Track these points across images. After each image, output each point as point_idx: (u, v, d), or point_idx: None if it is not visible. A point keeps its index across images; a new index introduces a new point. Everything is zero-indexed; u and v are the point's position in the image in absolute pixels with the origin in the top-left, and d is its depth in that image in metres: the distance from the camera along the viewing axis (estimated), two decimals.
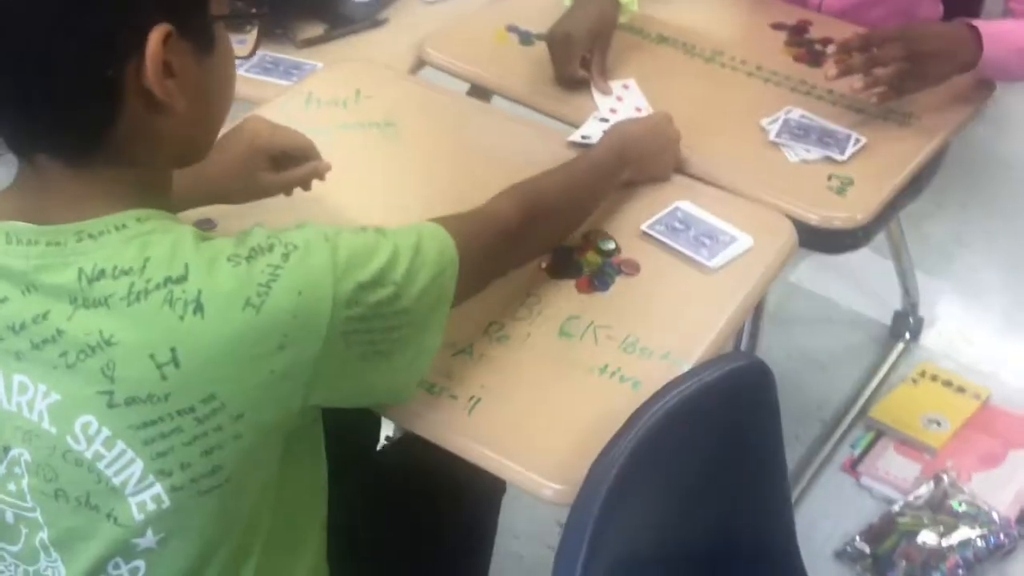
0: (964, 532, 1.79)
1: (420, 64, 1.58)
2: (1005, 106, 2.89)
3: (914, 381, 2.11)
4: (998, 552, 1.77)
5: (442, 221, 0.97)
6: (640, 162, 1.30)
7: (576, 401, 1.07)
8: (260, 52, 1.56)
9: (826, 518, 1.88)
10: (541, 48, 1.55)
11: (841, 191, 1.33)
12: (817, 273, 2.36)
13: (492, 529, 1.35)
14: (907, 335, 2.21)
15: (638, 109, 1.47)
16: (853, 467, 1.96)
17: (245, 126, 1.18)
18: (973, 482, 1.89)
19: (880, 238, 2.07)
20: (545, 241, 1.16)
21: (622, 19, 1.54)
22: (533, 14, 1.61)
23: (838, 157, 1.37)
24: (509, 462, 1.02)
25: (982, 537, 1.77)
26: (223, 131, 1.03)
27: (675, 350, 1.11)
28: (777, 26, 1.66)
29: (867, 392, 2.10)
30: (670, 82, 1.52)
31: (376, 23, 1.67)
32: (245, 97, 1.49)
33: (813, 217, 1.30)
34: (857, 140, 1.40)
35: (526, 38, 1.61)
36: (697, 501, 1.07)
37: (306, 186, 1.22)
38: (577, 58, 1.47)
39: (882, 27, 1.46)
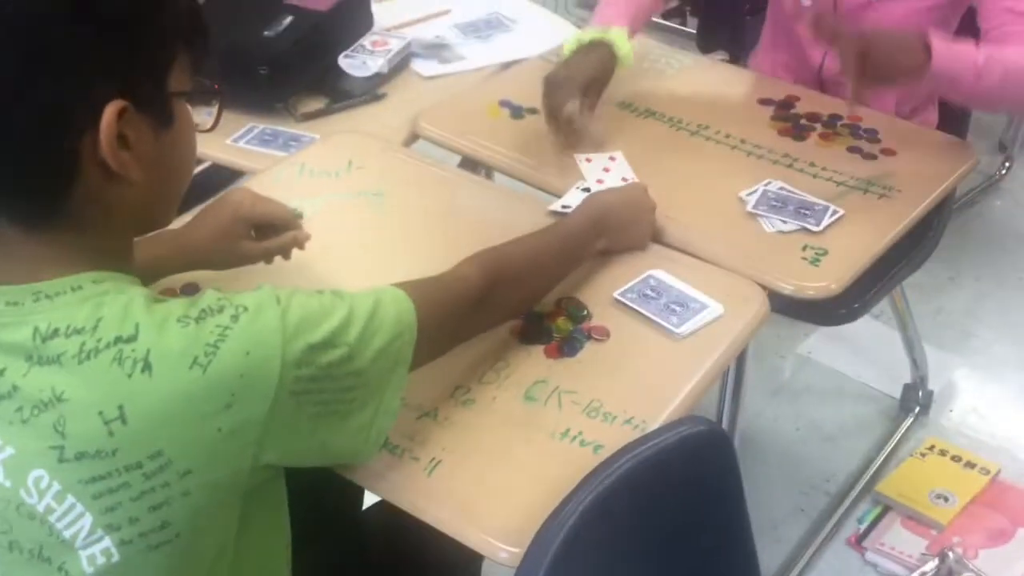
0: None
1: (414, 137, 1.63)
2: (1021, 180, 2.88)
3: (922, 455, 2.08)
4: None
5: (404, 285, 1.00)
6: (617, 232, 1.33)
7: (536, 465, 1.08)
8: (261, 125, 1.64)
9: None
10: (531, 122, 1.60)
11: (815, 261, 1.34)
12: (828, 345, 2.36)
13: None
14: (916, 408, 2.19)
15: (624, 179, 1.50)
16: (859, 542, 1.93)
17: (229, 197, 1.23)
18: (980, 559, 1.85)
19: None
20: (510, 307, 1.19)
21: (620, 70, 1.59)
22: (525, 89, 1.66)
23: (814, 228, 1.39)
24: (465, 524, 1.03)
25: None
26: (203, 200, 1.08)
27: (638, 415, 1.13)
28: (764, 101, 1.70)
29: (874, 466, 2.08)
30: (655, 155, 1.56)
31: (376, 97, 1.73)
32: (243, 168, 1.55)
33: (787, 287, 1.32)
34: (835, 212, 1.42)
35: (517, 112, 1.66)
36: (655, 566, 1.07)
37: (286, 255, 1.26)
38: (570, 97, 1.50)
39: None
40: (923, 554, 1.87)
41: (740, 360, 1.45)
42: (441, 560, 1.25)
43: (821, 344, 2.36)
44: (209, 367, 0.81)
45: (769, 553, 1.90)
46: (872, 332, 2.32)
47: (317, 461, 0.96)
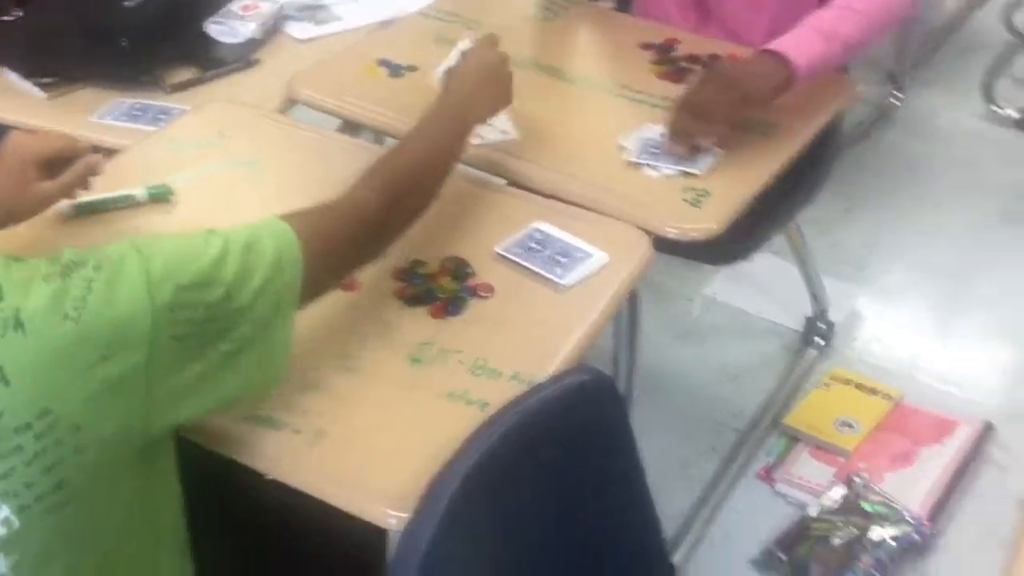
0: (877, 532, 1.80)
1: (291, 102, 1.59)
2: (913, 109, 2.94)
3: (826, 386, 2.12)
4: (912, 550, 1.77)
5: (291, 217, 1.00)
6: (485, 99, 1.34)
7: (424, 427, 1.07)
8: (128, 100, 1.58)
9: (743, 527, 1.88)
10: (411, 80, 1.56)
11: (696, 203, 1.34)
12: (732, 285, 2.38)
13: (379, 566, 1.34)
14: (819, 340, 2.23)
15: (504, 132, 1.48)
16: (768, 474, 1.97)
17: (6, 144, 1.22)
18: (886, 482, 1.90)
19: None
20: (414, 216, 1.18)
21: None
22: (404, 48, 1.63)
23: (695, 171, 1.39)
24: (353, 493, 1.02)
25: (895, 537, 1.78)
26: None
27: (524, 370, 1.12)
28: (645, 46, 1.69)
29: (780, 399, 2.12)
30: (537, 105, 1.54)
31: (249, 63, 1.68)
32: (110, 145, 1.49)
33: (671, 231, 1.32)
34: (715, 153, 1.42)
35: (396, 71, 1.62)
36: (549, 518, 1.07)
37: (84, 184, 1.26)
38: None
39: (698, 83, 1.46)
40: (831, 481, 1.91)
41: (633, 305, 1.46)
42: (346, 530, 1.23)
43: (726, 284, 2.39)
44: (81, 319, 0.82)
45: (681, 493, 1.92)
46: (774, 269, 2.35)
47: (219, 407, 0.96)
